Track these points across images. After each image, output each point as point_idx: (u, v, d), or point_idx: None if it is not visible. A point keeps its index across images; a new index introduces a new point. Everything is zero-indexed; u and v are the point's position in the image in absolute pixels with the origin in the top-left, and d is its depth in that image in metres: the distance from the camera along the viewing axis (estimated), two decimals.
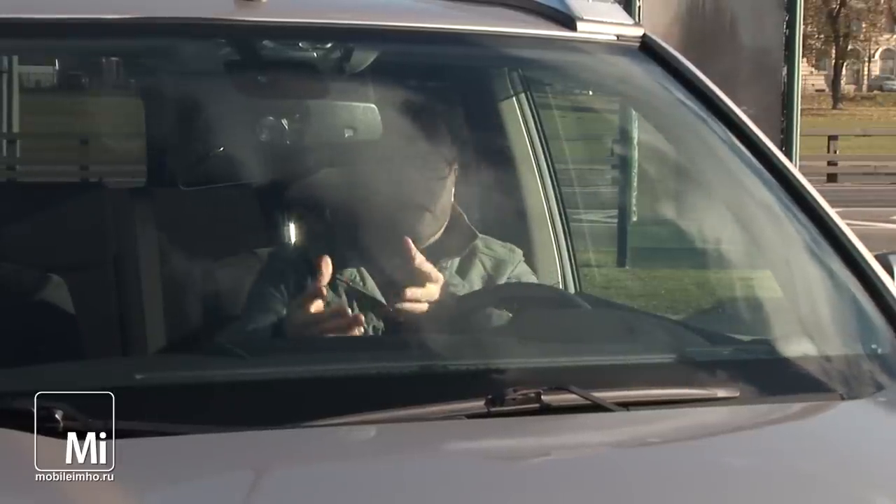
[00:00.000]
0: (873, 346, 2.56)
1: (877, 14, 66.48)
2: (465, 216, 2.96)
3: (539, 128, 3.71)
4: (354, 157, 3.10)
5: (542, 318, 2.81)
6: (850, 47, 65.35)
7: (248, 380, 2.31)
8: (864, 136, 34.43)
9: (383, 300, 2.77)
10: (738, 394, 2.35)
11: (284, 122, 3.08)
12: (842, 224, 2.68)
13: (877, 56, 74.05)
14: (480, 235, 2.97)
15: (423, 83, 3.16)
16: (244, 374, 2.33)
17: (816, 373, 2.46)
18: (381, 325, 2.76)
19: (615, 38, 2.92)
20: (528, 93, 3.67)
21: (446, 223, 2.92)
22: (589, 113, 7.47)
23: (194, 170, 3.17)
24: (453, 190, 2.93)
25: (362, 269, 2.80)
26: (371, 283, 2.79)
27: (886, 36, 71.14)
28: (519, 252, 3.03)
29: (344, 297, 2.77)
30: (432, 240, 2.88)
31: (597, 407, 2.20)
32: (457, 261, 2.92)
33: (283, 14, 2.76)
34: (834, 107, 57.21)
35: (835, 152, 28.94)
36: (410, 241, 2.75)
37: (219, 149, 3.04)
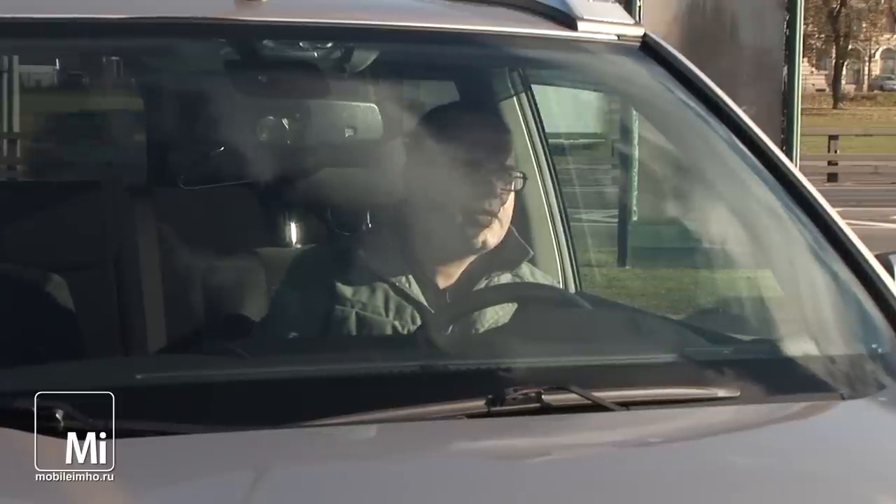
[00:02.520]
0: (874, 346, 2.56)
1: (877, 14, 66.44)
2: (515, 231, 2.92)
3: (539, 127, 3.70)
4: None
5: (543, 318, 2.81)
6: (850, 47, 65.28)
7: (248, 380, 2.31)
8: (864, 135, 34.43)
9: (425, 302, 2.74)
10: (738, 393, 2.35)
11: (285, 121, 3.07)
12: (842, 224, 2.67)
13: (877, 56, 73.99)
14: (527, 261, 2.94)
15: (425, 82, 3.16)
16: (244, 374, 2.33)
17: (817, 372, 2.46)
18: (417, 328, 2.73)
19: (616, 37, 2.92)
20: (529, 92, 3.67)
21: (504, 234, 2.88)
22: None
23: (194, 169, 3.17)
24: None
25: (409, 275, 2.77)
26: (416, 286, 2.77)
27: (887, 36, 71.09)
28: (558, 286, 3.03)
29: (380, 296, 2.76)
30: (490, 249, 2.85)
31: (597, 407, 2.20)
32: (507, 277, 2.88)
33: (283, 14, 2.76)
34: (834, 106, 57.13)
35: (835, 152, 28.92)
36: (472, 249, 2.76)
37: (219, 148, 3.04)
